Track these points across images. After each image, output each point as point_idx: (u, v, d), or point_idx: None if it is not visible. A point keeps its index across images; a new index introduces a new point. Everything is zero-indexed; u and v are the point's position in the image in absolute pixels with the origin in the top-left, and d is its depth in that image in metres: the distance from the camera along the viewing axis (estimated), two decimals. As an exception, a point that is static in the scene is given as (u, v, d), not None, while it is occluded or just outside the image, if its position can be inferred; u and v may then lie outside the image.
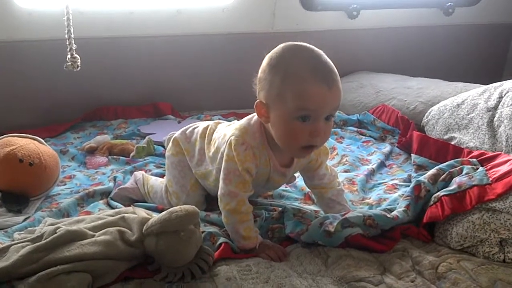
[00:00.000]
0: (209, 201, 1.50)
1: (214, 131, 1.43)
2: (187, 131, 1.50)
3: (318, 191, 1.44)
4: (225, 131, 1.36)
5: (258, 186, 1.35)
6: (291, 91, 1.15)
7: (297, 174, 1.55)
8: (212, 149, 1.39)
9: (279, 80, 1.17)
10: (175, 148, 1.50)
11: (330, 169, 1.44)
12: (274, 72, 1.19)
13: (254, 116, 1.30)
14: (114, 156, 1.95)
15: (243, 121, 1.32)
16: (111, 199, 1.54)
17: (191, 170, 1.47)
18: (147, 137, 2.04)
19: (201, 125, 1.49)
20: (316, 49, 1.20)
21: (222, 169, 1.28)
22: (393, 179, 1.67)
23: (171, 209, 1.13)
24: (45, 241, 1.09)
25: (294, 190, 1.61)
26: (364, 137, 2.12)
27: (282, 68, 1.18)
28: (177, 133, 1.52)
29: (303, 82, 1.14)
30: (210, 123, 1.47)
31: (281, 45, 1.23)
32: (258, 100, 1.23)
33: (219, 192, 1.28)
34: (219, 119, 2.25)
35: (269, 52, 1.24)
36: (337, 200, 1.42)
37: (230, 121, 1.94)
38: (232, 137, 1.27)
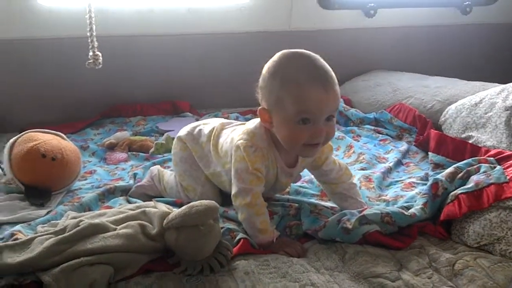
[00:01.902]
0: (225, 197, 1.52)
1: (218, 135, 1.46)
2: (194, 132, 1.52)
3: (327, 186, 1.47)
4: (232, 135, 1.40)
5: (265, 188, 1.36)
6: (289, 97, 1.20)
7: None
8: (221, 153, 1.42)
9: (278, 87, 1.22)
10: (182, 145, 1.53)
11: (339, 163, 1.45)
12: (272, 79, 1.24)
13: (258, 121, 1.34)
14: (134, 152, 1.98)
15: (249, 125, 1.36)
16: (130, 196, 1.57)
17: None
18: (165, 134, 2.06)
19: (205, 127, 1.52)
20: (312, 54, 1.24)
21: (233, 170, 1.31)
22: (410, 177, 1.67)
23: (191, 203, 1.16)
24: (68, 233, 1.12)
25: (311, 186, 1.62)
26: (381, 135, 2.13)
27: (280, 75, 1.23)
28: (181, 133, 1.55)
29: (301, 87, 1.19)
30: (215, 124, 1.50)
31: (278, 53, 1.27)
32: (260, 107, 1.28)
33: (232, 192, 1.31)
34: (237, 117, 2.27)
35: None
36: (348, 194, 1.43)
37: (248, 119, 1.96)
38: (240, 141, 1.31)
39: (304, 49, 1.29)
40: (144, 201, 1.50)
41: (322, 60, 1.23)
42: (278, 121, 1.25)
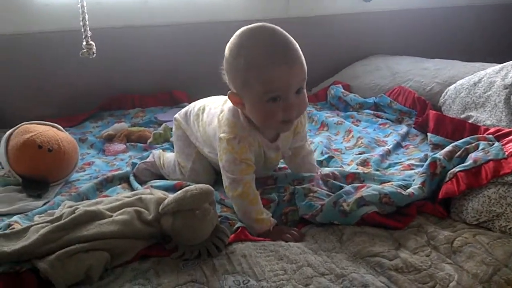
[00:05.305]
0: (221, 183, 1.50)
1: (202, 114, 1.49)
2: (187, 113, 1.57)
3: (291, 152, 1.49)
4: (212, 116, 1.43)
5: (257, 169, 1.36)
6: (255, 79, 1.20)
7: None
8: (204, 135, 1.47)
9: (242, 70, 1.22)
10: (177, 125, 1.59)
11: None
12: (236, 62, 1.22)
13: (233, 105, 1.33)
14: (132, 143, 1.98)
15: (226, 114, 1.35)
16: (134, 175, 1.60)
17: None
18: (163, 124, 2.06)
19: (195, 107, 1.55)
20: (272, 28, 1.22)
21: (222, 162, 1.32)
22: (409, 159, 1.65)
23: (186, 188, 1.15)
24: (64, 221, 1.11)
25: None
26: (380, 119, 2.11)
27: (242, 57, 1.21)
28: (177, 114, 1.61)
29: (264, 68, 1.18)
30: (204, 104, 1.53)
31: (237, 33, 1.26)
32: (230, 92, 1.29)
33: (224, 184, 1.32)
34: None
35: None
36: (306, 160, 1.50)
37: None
38: (223, 134, 1.31)
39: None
40: (145, 178, 1.59)
41: (283, 34, 1.22)
42: (249, 103, 1.25)
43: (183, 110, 1.60)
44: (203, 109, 1.50)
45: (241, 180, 1.28)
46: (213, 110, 1.44)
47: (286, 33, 1.23)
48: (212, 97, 1.56)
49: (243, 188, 1.27)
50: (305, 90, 1.26)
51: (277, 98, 1.21)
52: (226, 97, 1.45)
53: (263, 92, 1.20)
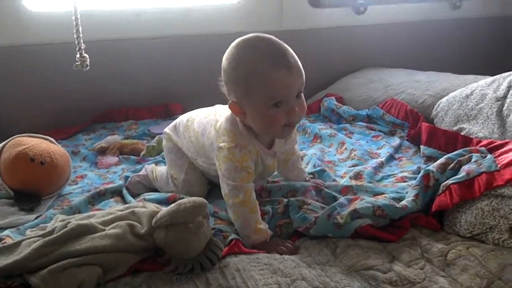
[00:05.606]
0: (213, 186, 1.52)
1: (192, 124, 1.50)
2: (176, 125, 1.58)
3: (284, 156, 1.52)
4: (204, 126, 1.43)
5: (255, 178, 1.36)
6: (257, 86, 1.22)
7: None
8: (198, 144, 1.46)
9: (244, 80, 1.24)
10: (167, 137, 1.59)
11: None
12: (235, 72, 1.25)
13: (230, 114, 1.35)
14: (125, 156, 1.97)
15: (224, 123, 1.36)
16: (126, 188, 1.59)
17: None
18: (157, 136, 2.05)
19: (184, 118, 1.56)
20: (266, 37, 1.26)
21: (220, 172, 1.32)
22: (402, 171, 1.65)
23: (179, 201, 1.15)
24: (56, 235, 1.10)
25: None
26: (373, 132, 2.11)
27: (242, 67, 1.24)
28: (167, 128, 1.62)
29: (265, 75, 1.21)
30: (191, 115, 1.54)
31: (233, 44, 1.28)
32: (230, 101, 1.30)
33: (224, 192, 1.31)
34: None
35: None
36: (295, 164, 1.55)
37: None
38: (223, 144, 1.32)
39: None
40: (138, 191, 1.58)
41: (278, 41, 1.25)
42: (251, 111, 1.27)
43: (172, 124, 1.61)
44: (192, 120, 1.50)
45: (241, 187, 1.28)
46: (204, 120, 1.45)
47: (281, 41, 1.26)
48: (198, 109, 1.57)
49: (244, 196, 1.27)
50: (303, 94, 1.29)
51: (280, 103, 1.23)
52: (215, 107, 1.47)
53: (268, 98, 1.22)
